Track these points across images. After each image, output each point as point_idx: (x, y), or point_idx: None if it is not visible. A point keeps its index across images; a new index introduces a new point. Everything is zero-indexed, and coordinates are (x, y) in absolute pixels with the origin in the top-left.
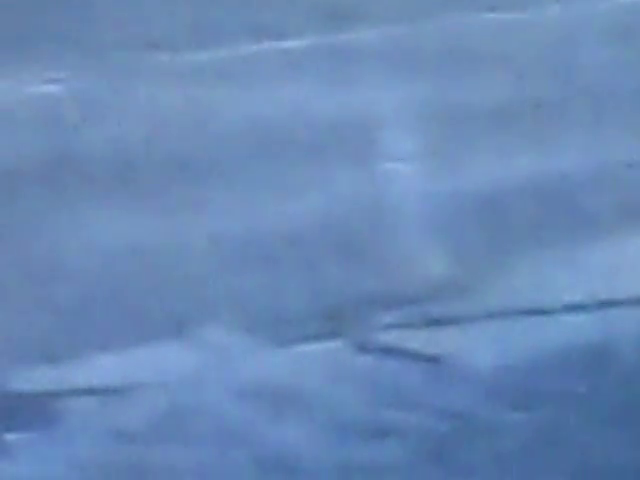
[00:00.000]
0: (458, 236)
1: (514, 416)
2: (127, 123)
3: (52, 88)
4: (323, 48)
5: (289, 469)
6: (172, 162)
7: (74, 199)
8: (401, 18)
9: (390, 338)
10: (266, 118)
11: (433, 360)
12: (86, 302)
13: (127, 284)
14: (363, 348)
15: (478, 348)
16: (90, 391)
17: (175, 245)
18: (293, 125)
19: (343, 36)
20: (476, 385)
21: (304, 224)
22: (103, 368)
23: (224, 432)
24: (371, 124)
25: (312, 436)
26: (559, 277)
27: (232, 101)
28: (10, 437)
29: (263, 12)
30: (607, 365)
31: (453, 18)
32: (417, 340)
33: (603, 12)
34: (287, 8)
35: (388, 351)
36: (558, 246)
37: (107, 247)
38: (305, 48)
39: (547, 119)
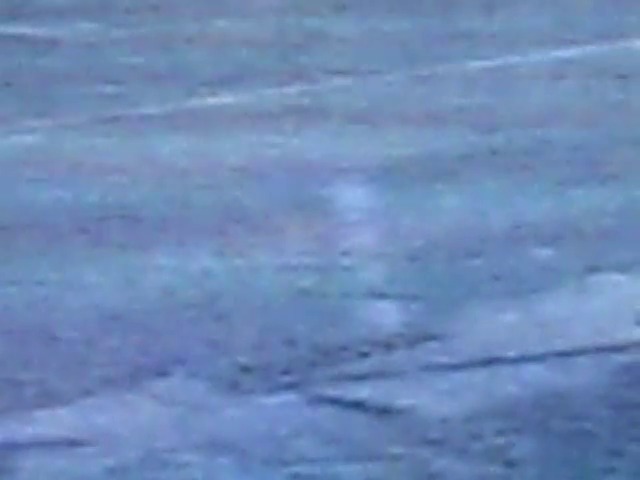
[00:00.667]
0: (412, 287)
1: (464, 467)
2: (81, 176)
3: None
4: (273, 100)
5: None
6: (126, 215)
7: (30, 253)
8: (358, 70)
9: (343, 391)
10: (216, 171)
11: (385, 411)
12: (40, 353)
13: (82, 335)
14: (317, 400)
15: (430, 398)
16: (44, 444)
17: (130, 297)
18: (242, 178)
19: (298, 88)
20: (428, 435)
21: (256, 280)
22: (58, 420)
23: None
24: (324, 177)
25: None
26: (515, 327)
27: (182, 155)
28: None
29: (217, 68)
30: (563, 416)
31: (412, 70)
32: (369, 392)
33: (559, 61)
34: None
35: (340, 403)
36: (515, 296)
37: (60, 300)
38: (255, 100)
39: (503, 168)
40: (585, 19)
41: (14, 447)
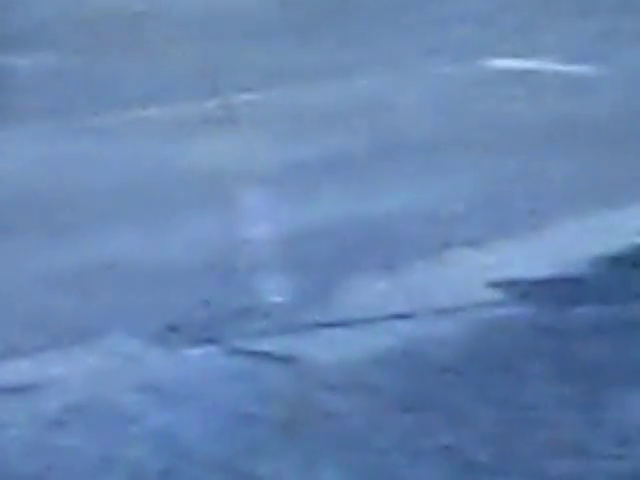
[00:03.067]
0: (306, 261)
1: (347, 404)
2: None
3: None
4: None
5: (175, 446)
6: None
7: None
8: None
9: (252, 344)
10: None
11: (287, 360)
12: (6, 315)
13: (44, 304)
14: (232, 352)
15: (323, 349)
16: (10, 389)
17: (79, 269)
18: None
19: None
20: (320, 378)
21: (183, 253)
22: (20, 370)
23: (121, 418)
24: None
25: (194, 421)
26: (385, 292)
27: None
28: None
29: (150, 80)
30: (418, 364)
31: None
32: (273, 345)
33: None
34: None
35: (252, 354)
36: (383, 267)
37: (28, 273)
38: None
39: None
40: None
41: None
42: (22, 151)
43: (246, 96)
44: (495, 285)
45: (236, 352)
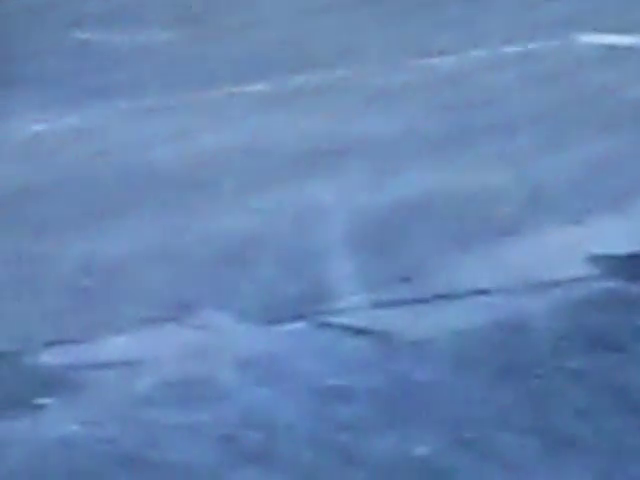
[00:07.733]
0: (398, 235)
1: (439, 377)
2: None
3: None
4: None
5: (271, 422)
6: (172, 180)
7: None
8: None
9: (342, 319)
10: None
11: (380, 334)
12: (104, 292)
13: (140, 280)
14: (322, 327)
15: (414, 323)
16: (106, 364)
17: (174, 245)
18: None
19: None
20: (412, 352)
21: (274, 227)
22: (117, 346)
23: (216, 394)
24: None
25: (289, 397)
26: (482, 266)
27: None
28: (40, 402)
29: (239, 57)
30: (519, 338)
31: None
32: (364, 320)
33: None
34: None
35: (342, 329)
36: (477, 245)
37: (127, 249)
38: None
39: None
40: None
41: (79, 367)
42: (121, 128)
43: (336, 72)
44: (592, 260)
45: (326, 327)
